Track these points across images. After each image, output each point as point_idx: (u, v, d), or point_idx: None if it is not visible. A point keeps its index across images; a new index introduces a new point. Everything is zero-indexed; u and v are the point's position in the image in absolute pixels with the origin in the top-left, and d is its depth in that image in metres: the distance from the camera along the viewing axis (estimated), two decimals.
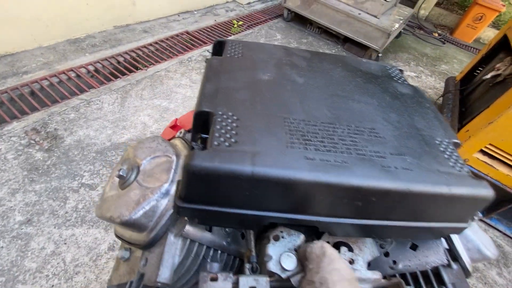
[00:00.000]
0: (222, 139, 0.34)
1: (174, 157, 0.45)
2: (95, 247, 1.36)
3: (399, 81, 0.55)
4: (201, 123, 0.40)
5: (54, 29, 2.37)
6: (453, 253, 0.46)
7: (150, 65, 2.52)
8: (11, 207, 1.42)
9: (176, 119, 0.65)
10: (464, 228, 0.43)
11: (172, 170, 0.43)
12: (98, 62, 2.38)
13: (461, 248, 0.46)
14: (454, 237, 0.47)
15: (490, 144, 1.78)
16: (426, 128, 0.45)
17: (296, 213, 0.38)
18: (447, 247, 0.46)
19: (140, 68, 2.46)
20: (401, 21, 3.43)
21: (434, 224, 0.42)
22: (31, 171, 1.57)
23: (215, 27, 3.32)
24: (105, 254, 1.35)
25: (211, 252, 0.47)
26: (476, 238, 0.46)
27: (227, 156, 0.32)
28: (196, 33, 3.11)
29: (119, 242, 1.42)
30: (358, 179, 0.34)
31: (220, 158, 0.31)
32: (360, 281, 0.41)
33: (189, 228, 0.42)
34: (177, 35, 2.98)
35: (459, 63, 4.27)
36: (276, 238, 0.42)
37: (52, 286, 1.22)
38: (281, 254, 0.40)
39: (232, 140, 0.34)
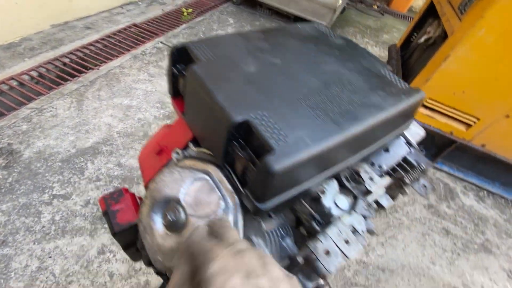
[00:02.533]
0: (275, 136, 0.37)
1: (206, 176, 0.43)
2: (83, 254, 1.33)
3: (333, 36, 0.67)
4: (237, 135, 0.39)
5: None
6: (408, 142, 0.63)
7: (101, 63, 2.37)
8: None
9: (158, 143, 0.56)
10: (411, 122, 0.61)
11: (216, 188, 0.42)
12: (41, 66, 2.18)
13: (411, 136, 0.65)
14: (405, 131, 0.64)
15: (429, 99, 2.06)
16: (371, 66, 0.57)
17: (333, 165, 0.45)
18: (404, 140, 0.64)
19: (90, 68, 2.31)
20: None
21: (399, 128, 0.58)
22: None
23: (164, 17, 3.19)
24: (96, 259, 1.33)
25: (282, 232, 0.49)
26: (412, 126, 0.65)
27: (293, 149, 0.36)
28: (145, 25, 2.97)
29: (109, 244, 1.40)
30: (369, 122, 0.44)
31: (288, 154, 0.35)
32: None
33: (263, 224, 0.45)
34: (125, 29, 2.81)
35: (397, 32, 4.68)
36: (322, 192, 0.48)
37: None
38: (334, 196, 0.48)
39: (282, 133, 0.37)
